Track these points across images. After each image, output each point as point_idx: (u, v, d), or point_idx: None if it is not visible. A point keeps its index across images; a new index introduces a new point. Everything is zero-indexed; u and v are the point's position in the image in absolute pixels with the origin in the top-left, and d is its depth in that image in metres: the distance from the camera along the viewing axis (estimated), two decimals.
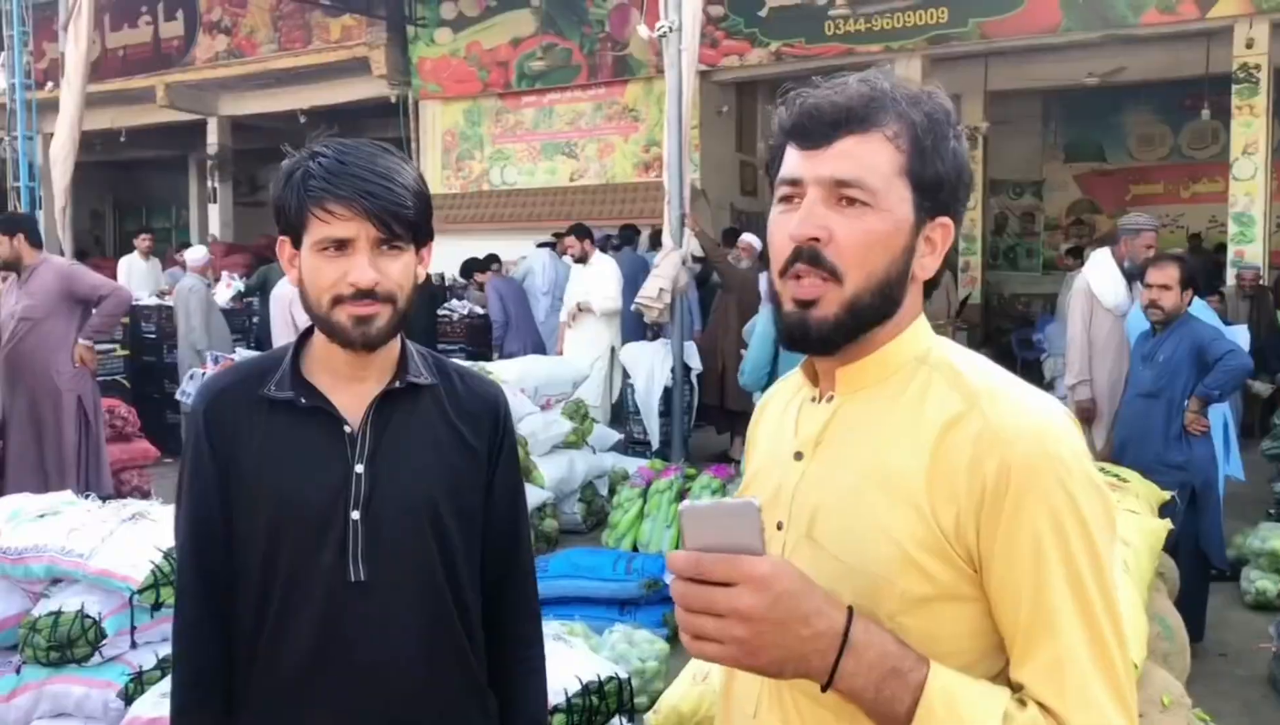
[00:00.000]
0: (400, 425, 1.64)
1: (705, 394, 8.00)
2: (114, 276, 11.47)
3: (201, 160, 16.56)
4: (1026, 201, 15.34)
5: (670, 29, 7.15)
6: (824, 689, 1.07)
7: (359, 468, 1.59)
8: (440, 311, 9.45)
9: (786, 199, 1.20)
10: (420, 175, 1.62)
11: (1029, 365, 11.41)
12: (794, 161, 1.20)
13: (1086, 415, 5.60)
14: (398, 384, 1.64)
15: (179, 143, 17.21)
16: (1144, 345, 4.79)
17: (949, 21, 10.37)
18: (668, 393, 7.52)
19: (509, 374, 6.10)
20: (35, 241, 5.75)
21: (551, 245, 9.83)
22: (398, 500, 1.61)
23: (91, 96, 13.86)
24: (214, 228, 16.10)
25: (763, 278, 8.77)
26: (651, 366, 7.62)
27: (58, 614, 3.03)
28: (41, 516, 3.26)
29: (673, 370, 7.40)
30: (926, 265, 1.22)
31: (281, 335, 9.01)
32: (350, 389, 1.63)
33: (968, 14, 10.27)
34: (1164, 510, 3.55)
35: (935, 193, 1.20)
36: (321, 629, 1.58)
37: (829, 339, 1.19)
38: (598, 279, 7.81)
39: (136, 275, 12.07)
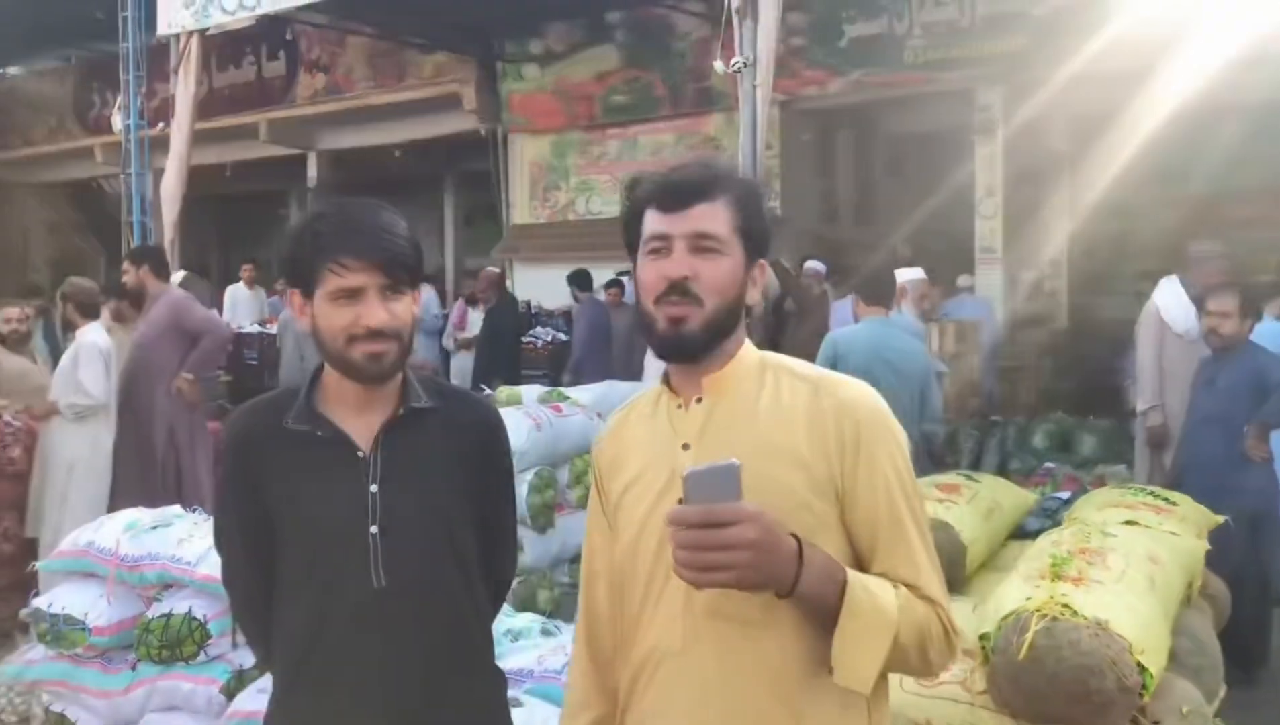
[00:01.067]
0: (407, 447, 1.88)
1: None
2: (220, 305, 12.03)
3: (302, 193, 17.20)
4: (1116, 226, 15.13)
5: (745, 64, 7.35)
6: (786, 596, 1.49)
7: (374, 488, 1.84)
8: (525, 338, 9.72)
9: (655, 251, 1.66)
10: (408, 226, 1.87)
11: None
12: (658, 222, 1.67)
13: (1158, 440, 5.64)
14: (401, 411, 1.88)
15: (281, 177, 17.86)
16: (1206, 371, 4.84)
17: (1030, 48, 10.40)
18: None
19: (586, 398, 6.28)
20: (159, 273, 6.16)
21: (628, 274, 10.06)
22: (411, 513, 1.86)
23: (199, 134, 14.49)
24: None
25: (839, 305, 8.92)
26: None
27: (168, 616, 3.34)
28: (154, 528, 3.57)
29: None
30: (753, 295, 1.71)
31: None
32: (360, 418, 1.87)
33: (1046, 42, 10.29)
34: (1219, 535, 3.62)
35: (757, 242, 1.69)
36: (350, 631, 1.83)
37: (695, 346, 1.64)
38: None
39: (241, 304, 12.64)
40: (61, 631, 3.44)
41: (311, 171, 16.35)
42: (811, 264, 8.72)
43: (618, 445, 1.78)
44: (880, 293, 5.22)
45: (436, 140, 14.36)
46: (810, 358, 6.98)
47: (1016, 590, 2.52)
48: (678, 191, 1.66)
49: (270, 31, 14.33)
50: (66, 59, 17.75)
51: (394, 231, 1.81)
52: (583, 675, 1.81)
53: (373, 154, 15.25)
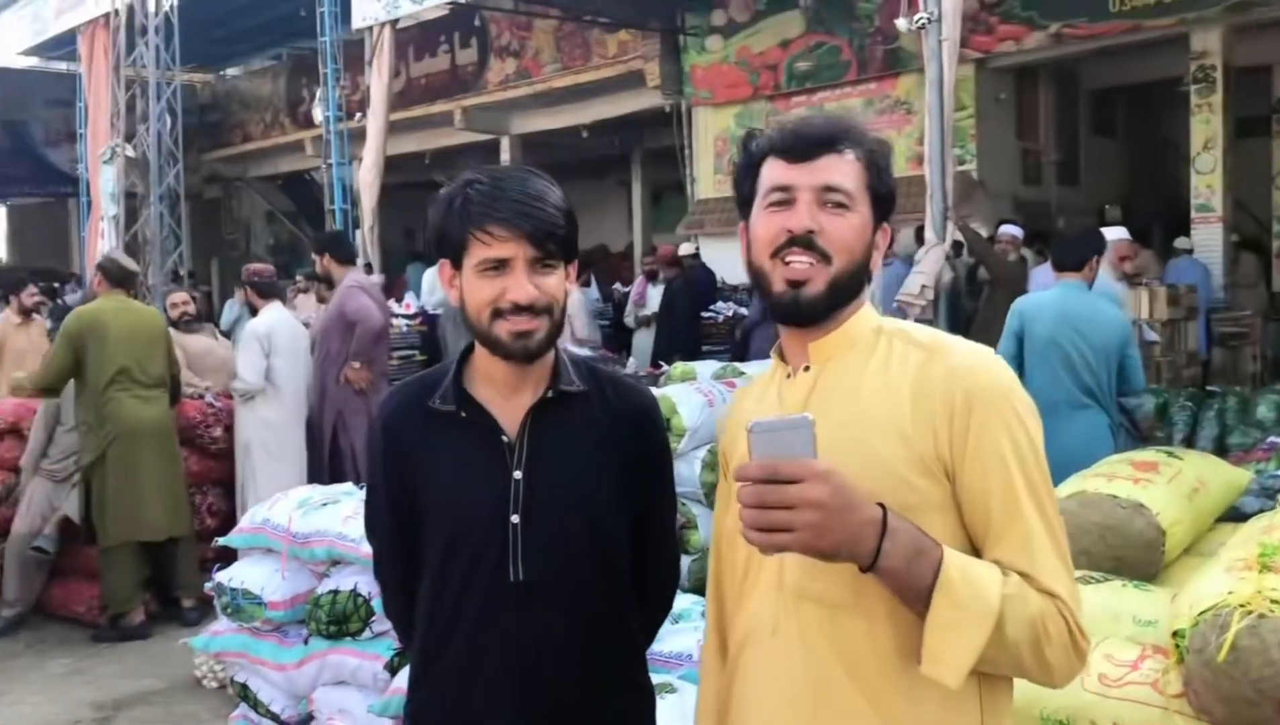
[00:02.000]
0: (555, 432, 1.76)
1: None
2: (401, 287, 12.39)
3: None
4: None
5: (929, 20, 7.01)
6: (868, 569, 1.32)
7: (517, 474, 1.73)
8: (705, 313, 9.62)
9: (777, 203, 1.52)
10: (564, 196, 1.75)
11: None
12: (781, 172, 1.53)
13: None
14: (550, 393, 1.76)
15: (476, 162, 18.24)
16: None
17: None
18: None
19: (755, 371, 6.11)
20: (340, 259, 6.34)
21: None
22: (555, 504, 1.73)
23: (399, 123, 15.07)
24: None
25: (1039, 271, 8.43)
26: None
27: (335, 592, 3.40)
28: (324, 505, 3.65)
29: None
30: (876, 260, 1.56)
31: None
32: (508, 399, 1.76)
33: None
34: None
35: (884, 204, 1.55)
36: (483, 625, 1.73)
37: (816, 311, 1.51)
38: None
39: (440, 286, 13.00)
40: (240, 605, 3.56)
41: (505, 155, 16.68)
42: (1006, 228, 8.27)
43: (734, 423, 1.66)
44: (1071, 256, 4.85)
45: (623, 119, 14.41)
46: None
47: (1217, 582, 2.24)
48: (804, 140, 1.53)
49: (461, 19, 14.67)
50: (278, 57, 18.69)
51: (545, 200, 1.69)
52: (712, 649, 1.71)
53: (562, 135, 15.44)
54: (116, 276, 5.88)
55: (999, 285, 7.79)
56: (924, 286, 7.00)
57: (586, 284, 10.71)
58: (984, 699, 1.44)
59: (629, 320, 10.19)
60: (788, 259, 1.50)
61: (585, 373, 1.83)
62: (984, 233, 8.78)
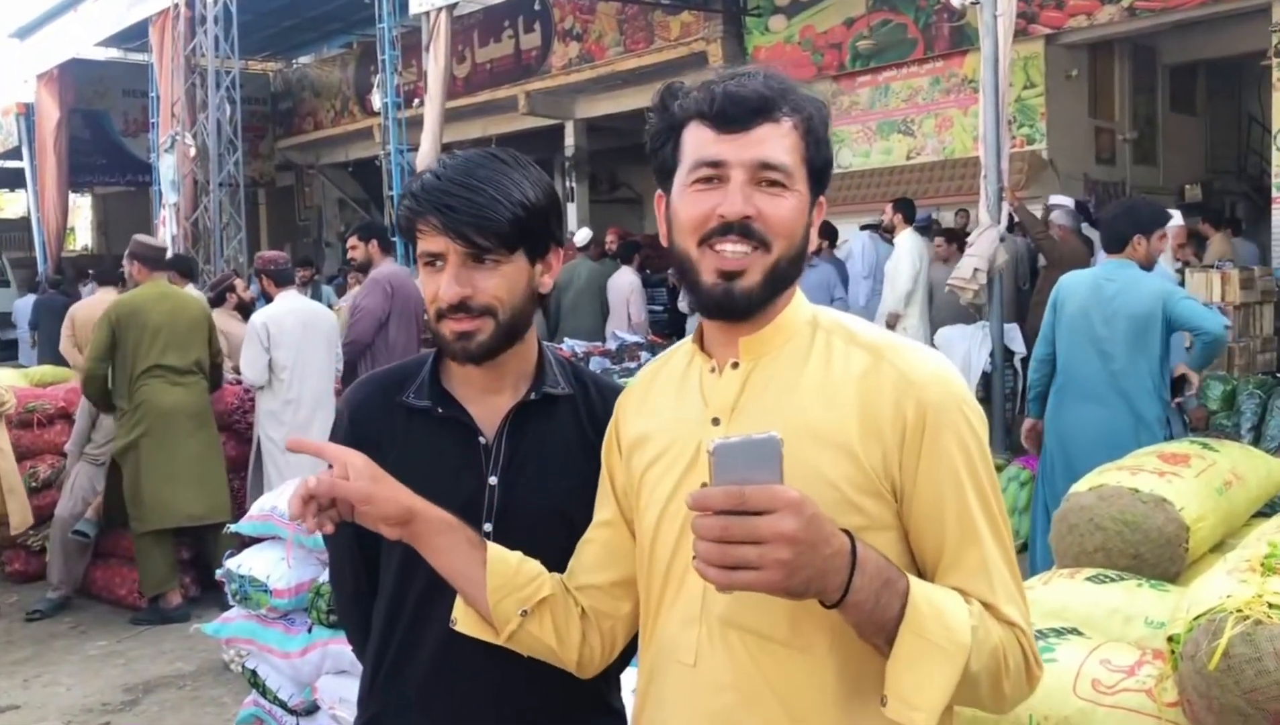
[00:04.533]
0: (535, 437, 1.63)
1: None
2: None
3: (562, 162, 17.60)
4: None
5: None
6: (834, 605, 1.18)
7: (492, 479, 1.60)
8: None
9: (705, 180, 1.33)
10: (538, 181, 1.59)
11: None
12: (710, 144, 1.33)
13: None
14: (533, 396, 1.63)
15: (542, 147, 18.31)
16: None
17: None
18: (986, 378, 7.16)
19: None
20: (385, 247, 6.34)
21: (875, 227, 9.62)
22: (531, 512, 1.59)
23: (463, 109, 15.16)
24: (572, 225, 17.06)
25: (1102, 253, 8.14)
26: (968, 351, 7.27)
27: None
28: None
29: (991, 354, 7.03)
30: (813, 239, 1.38)
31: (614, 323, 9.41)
32: (486, 400, 1.63)
33: None
34: None
35: (821, 177, 1.37)
36: (447, 642, 1.56)
37: (751, 304, 1.33)
38: (891, 259, 7.61)
39: None
40: (248, 592, 3.56)
41: (569, 140, 16.68)
42: (1057, 214, 7.95)
43: (643, 408, 1.49)
44: (1111, 236, 4.65)
45: None
46: None
47: (1216, 585, 2.08)
48: (738, 104, 1.31)
49: (524, 3, 14.64)
50: (348, 45, 18.88)
51: (483, 189, 1.52)
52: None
53: (626, 119, 15.35)
54: (150, 258, 5.92)
55: (1054, 268, 7.53)
56: (976, 270, 6.80)
57: (641, 269, 10.60)
58: None
59: (683, 305, 10.09)
60: (718, 246, 1.32)
61: (570, 375, 1.70)
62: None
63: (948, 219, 10.22)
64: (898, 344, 1.35)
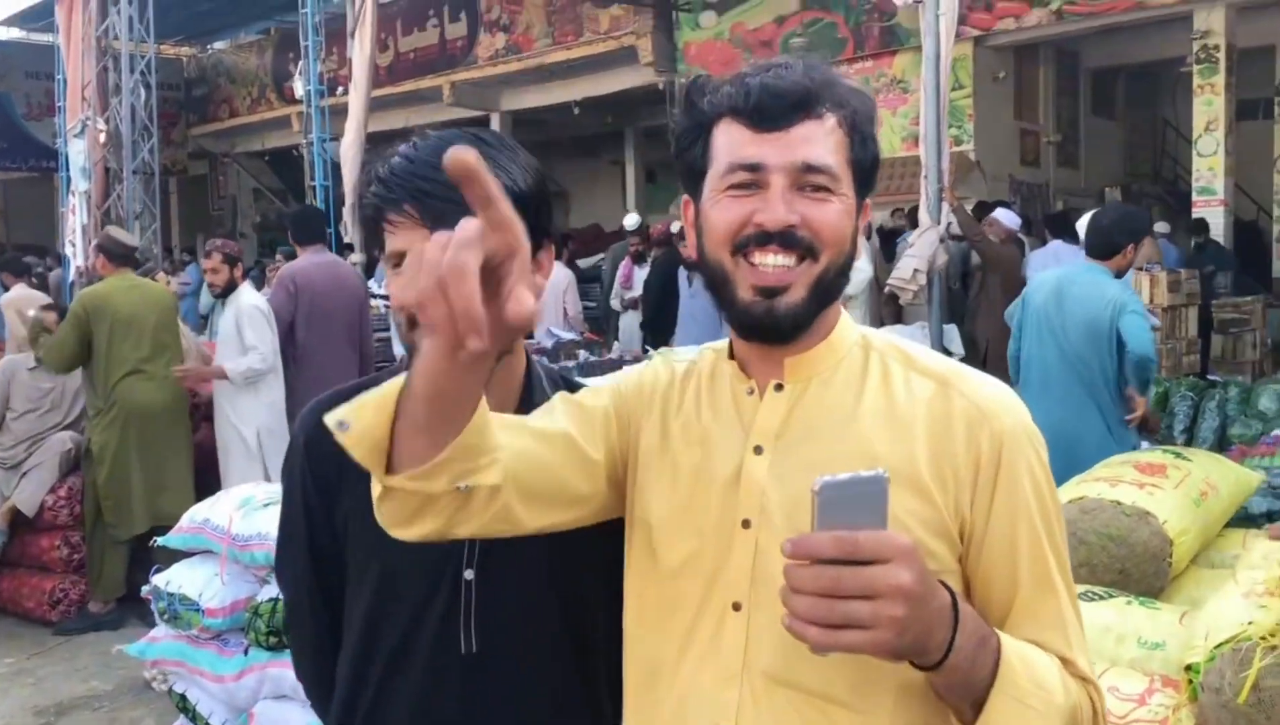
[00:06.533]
0: None
1: None
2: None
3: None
4: None
5: None
6: (934, 666, 1.04)
7: None
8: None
9: (742, 185, 1.18)
10: (528, 165, 1.37)
11: None
12: (746, 144, 1.18)
13: None
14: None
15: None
16: None
17: None
18: None
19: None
20: (299, 239, 6.05)
21: None
22: (521, 555, 1.35)
23: (386, 98, 14.80)
24: None
25: (1035, 255, 8.18)
26: None
27: (276, 601, 3.15)
28: (267, 505, 3.40)
29: None
30: (860, 246, 1.25)
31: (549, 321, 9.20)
32: None
33: None
34: None
35: (867, 179, 1.22)
36: (421, 705, 1.40)
37: (797, 323, 1.19)
38: None
39: None
40: (178, 611, 3.32)
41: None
42: (1001, 213, 8.00)
43: (666, 406, 1.29)
44: (1103, 244, 4.63)
45: (616, 95, 14.15)
46: (998, 318, 6.40)
47: (1235, 609, 2.01)
48: (777, 99, 1.16)
49: None
50: (266, 31, 18.37)
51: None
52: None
53: (554, 112, 15.18)
54: (118, 254, 5.68)
55: (991, 270, 7.55)
56: (916, 270, 6.77)
57: (570, 263, 10.44)
58: None
59: (615, 302, 9.93)
60: (756, 258, 1.17)
61: (562, 387, 1.47)
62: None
63: (880, 218, 10.22)
64: (964, 372, 1.23)
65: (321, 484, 1.44)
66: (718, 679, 1.18)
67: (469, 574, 1.38)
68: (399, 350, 6.77)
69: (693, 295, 7.47)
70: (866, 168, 1.22)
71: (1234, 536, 3.09)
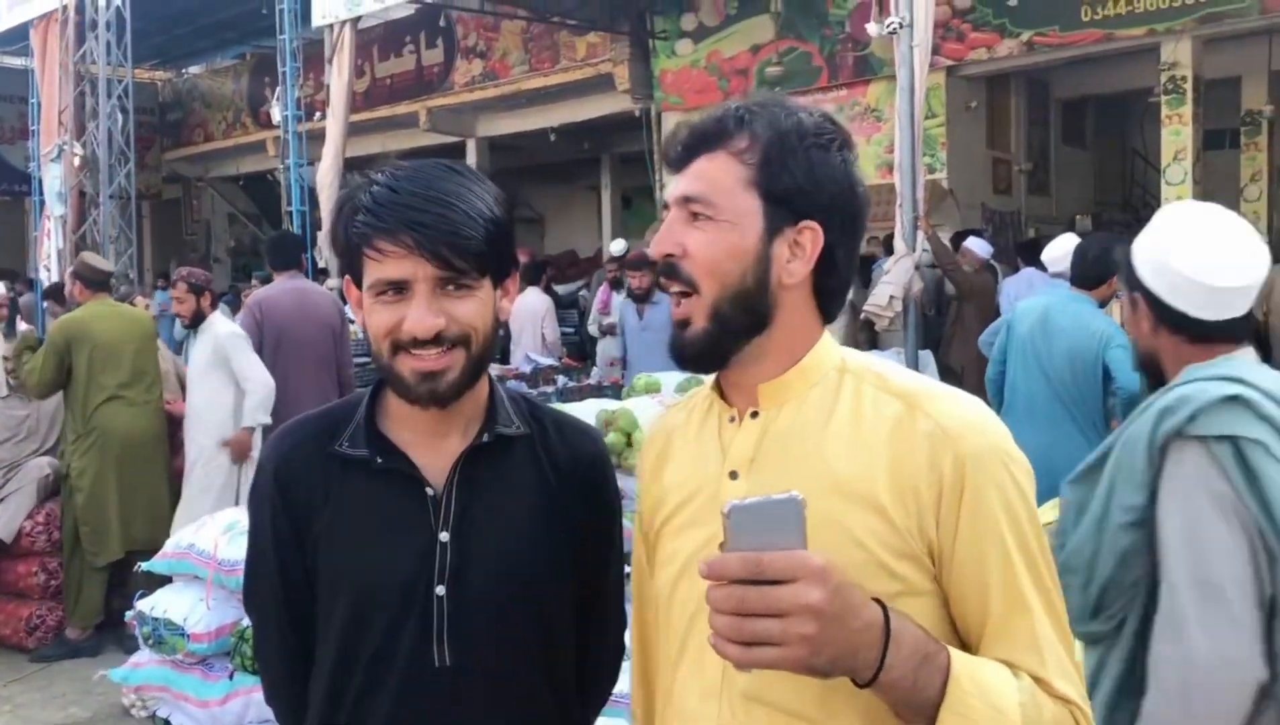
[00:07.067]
0: (489, 485, 1.46)
1: None
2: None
3: None
4: None
5: (901, 25, 6.86)
6: (867, 684, 1.07)
7: (443, 536, 1.43)
8: None
9: (664, 220, 1.30)
10: (500, 197, 1.43)
11: None
12: (671, 186, 1.29)
13: None
14: (486, 438, 1.46)
15: None
16: None
17: None
18: None
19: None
20: (274, 264, 6.11)
21: None
22: (488, 571, 1.43)
23: (363, 123, 14.82)
24: None
25: (1009, 282, 8.30)
26: None
27: None
28: None
29: None
30: (794, 270, 1.25)
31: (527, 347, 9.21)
32: (432, 444, 1.45)
33: None
34: None
35: (788, 201, 1.24)
36: (398, 719, 1.43)
37: (701, 354, 1.26)
38: None
39: None
40: (163, 636, 3.34)
41: (471, 158, 16.43)
42: (973, 242, 8.11)
43: (661, 456, 1.39)
44: (1089, 275, 4.71)
45: (592, 122, 14.23)
46: (973, 346, 6.47)
47: None
48: (678, 144, 1.28)
49: (427, 19, 14.45)
50: (241, 56, 18.37)
51: (452, 204, 1.35)
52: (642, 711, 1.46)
53: (530, 138, 15.24)
54: (95, 281, 5.69)
55: (966, 299, 7.65)
56: (892, 297, 6.85)
57: (547, 289, 10.48)
58: None
59: (593, 328, 9.97)
60: (672, 293, 1.27)
61: (525, 412, 1.53)
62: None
63: None
64: (934, 391, 1.24)
65: (292, 509, 1.47)
66: (701, 695, 1.25)
67: (440, 590, 1.42)
68: None
69: (643, 328, 7.55)
70: (779, 191, 1.23)
71: None
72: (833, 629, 1.02)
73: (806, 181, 1.24)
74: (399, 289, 1.36)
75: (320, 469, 1.46)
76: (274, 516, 1.49)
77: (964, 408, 1.22)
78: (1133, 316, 2.08)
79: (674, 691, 1.29)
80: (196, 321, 5.51)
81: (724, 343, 1.24)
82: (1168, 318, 1.97)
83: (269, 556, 1.50)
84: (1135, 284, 2.02)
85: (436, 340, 1.36)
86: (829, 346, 1.30)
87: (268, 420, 5.34)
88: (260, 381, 5.36)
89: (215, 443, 5.41)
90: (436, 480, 1.44)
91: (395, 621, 1.43)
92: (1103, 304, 4.69)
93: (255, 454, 5.36)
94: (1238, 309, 1.95)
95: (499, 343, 1.53)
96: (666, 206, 1.29)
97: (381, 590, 1.43)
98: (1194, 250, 1.95)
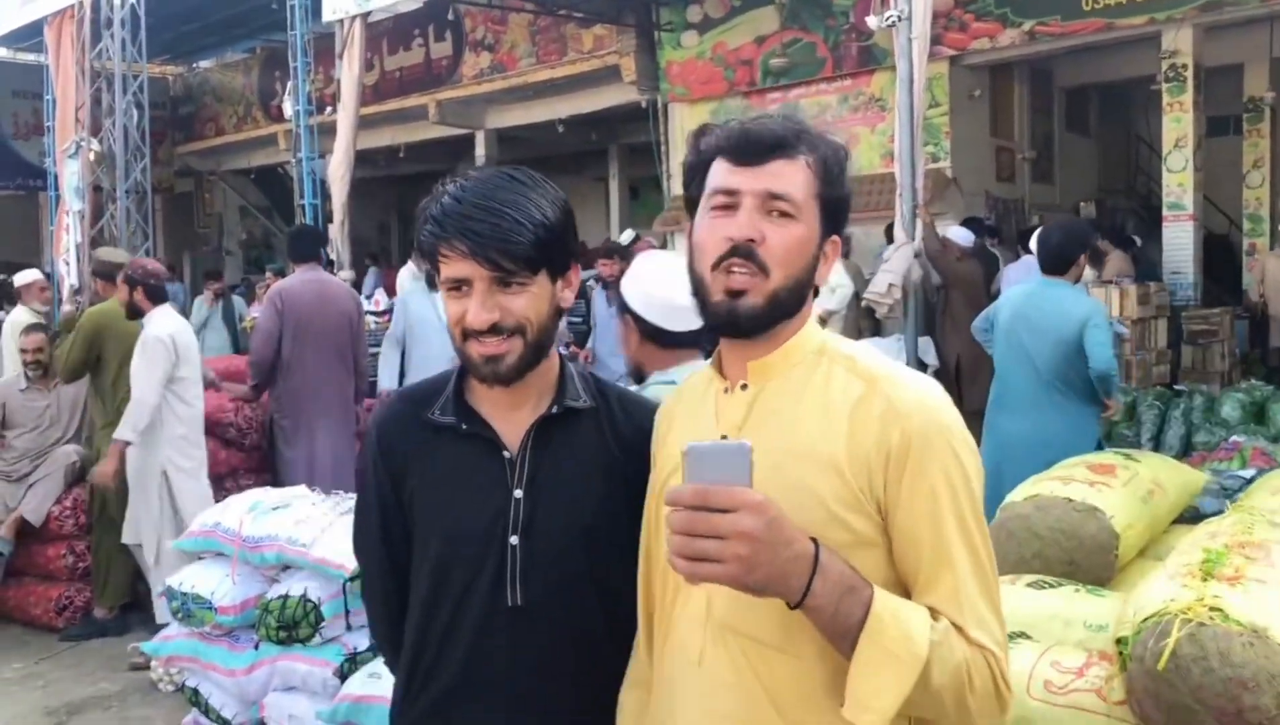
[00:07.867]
0: (558, 450, 1.68)
1: None
2: (394, 285, 12.26)
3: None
4: None
5: (899, 17, 6.99)
6: (795, 606, 1.28)
7: (518, 493, 1.64)
8: None
9: (721, 207, 1.46)
10: (556, 199, 1.63)
11: None
12: (727, 175, 1.46)
13: None
14: (555, 409, 1.68)
15: (451, 156, 18.23)
16: None
17: None
18: None
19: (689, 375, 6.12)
20: (293, 256, 6.27)
21: None
22: (557, 525, 1.64)
23: (373, 116, 14.96)
24: None
25: (1011, 269, 8.43)
26: None
27: (285, 597, 3.35)
28: (275, 508, 3.60)
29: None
30: (822, 274, 1.50)
31: None
32: (509, 415, 1.68)
33: None
34: None
35: (835, 214, 1.49)
36: (477, 649, 1.64)
37: (753, 325, 1.45)
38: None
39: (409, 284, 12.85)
40: (191, 610, 3.51)
41: (480, 150, 16.56)
42: (954, 232, 8.22)
43: (666, 424, 1.62)
44: (1054, 261, 4.85)
45: (599, 114, 14.36)
46: (965, 333, 6.60)
47: (1160, 589, 2.23)
48: (755, 142, 1.46)
49: (436, 13, 14.56)
50: (251, 50, 18.52)
51: (504, 213, 1.55)
52: (643, 650, 1.65)
53: (537, 130, 15.37)
54: (111, 275, 5.82)
55: (951, 287, 7.80)
56: (891, 285, 7.00)
57: None
58: None
59: None
60: (730, 268, 1.44)
61: (593, 388, 1.74)
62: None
63: (858, 233, 10.45)
64: (893, 374, 1.46)
65: (391, 467, 1.72)
66: (690, 622, 1.47)
67: (514, 539, 1.64)
68: (389, 375, 6.94)
69: (613, 315, 7.72)
70: (832, 204, 1.48)
71: (1180, 533, 3.30)
72: (764, 553, 1.23)
73: (842, 199, 1.50)
74: (462, 286, 1.59)
75: (416, 433, 1.70)
76: (376, 473, 1.74)
77: (916, 391, 1.43)
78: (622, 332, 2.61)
79: (673, 619, 1.50)
80: (132, 314, 5.39)
81: (771, 319, 1.45)
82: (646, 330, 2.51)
83: (373, 508, 1.76)
84: (624, 308, 2.55)
85: (493, 330, 1.58)
86: (811, 331, 1.52)
87: (133, 438, 5.13)
88: (139, 399, 5.12)
89: (140, 442, 5.25)
90: (513, 444, 1.67)
91: (475, 566, 1.65)
92: (1075, 281, 4.83)
93: (158, 468, 5.21)
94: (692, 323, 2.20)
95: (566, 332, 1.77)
96: (730, 192, 1.44)
97: (464, 539, 1.65)
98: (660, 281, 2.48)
